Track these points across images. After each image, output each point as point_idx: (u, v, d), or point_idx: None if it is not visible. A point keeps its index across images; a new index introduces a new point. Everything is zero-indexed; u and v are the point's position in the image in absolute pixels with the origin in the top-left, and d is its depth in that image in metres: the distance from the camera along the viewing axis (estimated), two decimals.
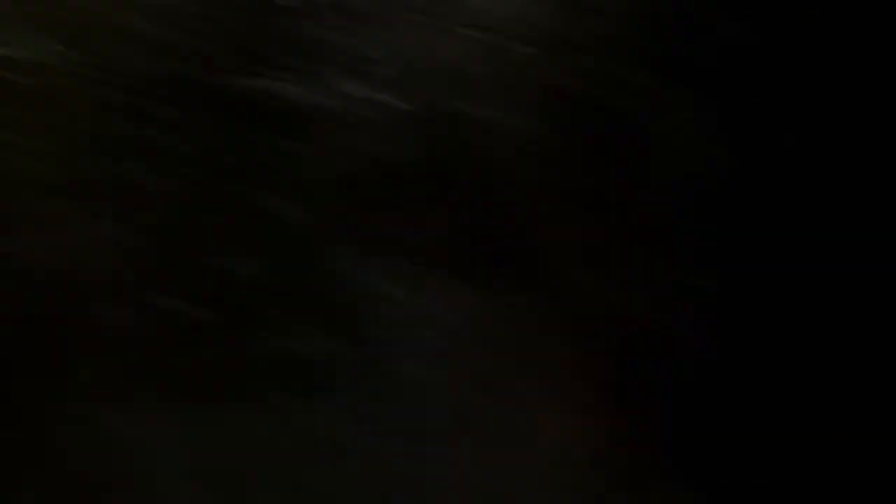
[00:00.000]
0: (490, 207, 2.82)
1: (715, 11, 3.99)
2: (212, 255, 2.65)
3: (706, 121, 3.39)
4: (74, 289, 2.55)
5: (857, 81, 3.71)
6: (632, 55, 3.72)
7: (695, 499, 2.14)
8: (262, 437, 2.15)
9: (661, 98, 3.49)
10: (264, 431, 2.15)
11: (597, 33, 3.88)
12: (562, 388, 2.31)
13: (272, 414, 2.19)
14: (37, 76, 3.60)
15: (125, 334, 2.40)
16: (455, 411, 2.24)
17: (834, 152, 3.33)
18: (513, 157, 3.03)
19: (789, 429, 2.36)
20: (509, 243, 2.72)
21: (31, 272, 2.65)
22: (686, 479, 2.18)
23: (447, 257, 2.64)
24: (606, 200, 2.99)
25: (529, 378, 2.33)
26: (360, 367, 2.33)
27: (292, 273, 2.59)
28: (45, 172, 3.04)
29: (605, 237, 2.87)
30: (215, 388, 2.25)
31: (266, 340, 2.38)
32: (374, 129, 3.09)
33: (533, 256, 2.72)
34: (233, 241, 2.71)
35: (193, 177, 2.96)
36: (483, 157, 3.01)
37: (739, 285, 2.75)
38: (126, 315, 2.44)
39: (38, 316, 2.48)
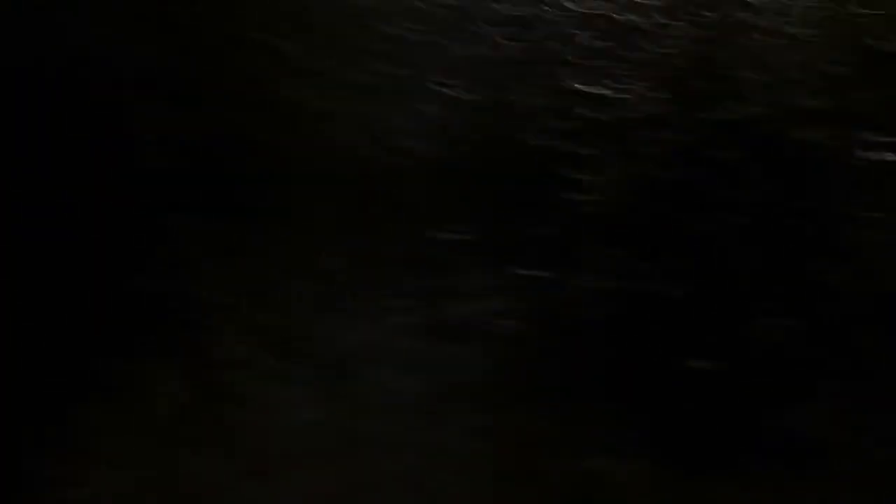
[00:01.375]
0: None
1: None
2: (747, 316, 2.58)
3: None
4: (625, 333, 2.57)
5: None
6: None
7: None
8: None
9: None
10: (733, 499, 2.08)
11: None
12: None
13: (753, 484, 2.10)
14: (615, 112, 3.78)
15: (651, 386, 2.38)
16: None
17: None
18: None
19: None
20: None
21: None
22: None
23: None
24: None
25: None
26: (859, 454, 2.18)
27: (828, 346, 2.46)
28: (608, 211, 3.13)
29: None
30: (705, 450, 2.18)
31: (768, 413, 2.29)
32: None
33: None
34: (771, 303, 2.62)
35: (748, 235, 2.92)
36: None
37: None
38: (649, 369, 2.43)
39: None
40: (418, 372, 2.48)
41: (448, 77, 4.33)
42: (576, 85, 4.13)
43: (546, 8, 5.21)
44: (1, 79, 4.24)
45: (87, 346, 2.61)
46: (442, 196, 3.28)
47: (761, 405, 2.31)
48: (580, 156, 3.47)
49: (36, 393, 2.44)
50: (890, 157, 3.17)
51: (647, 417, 2.28)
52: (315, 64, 4.49)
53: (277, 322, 2.72)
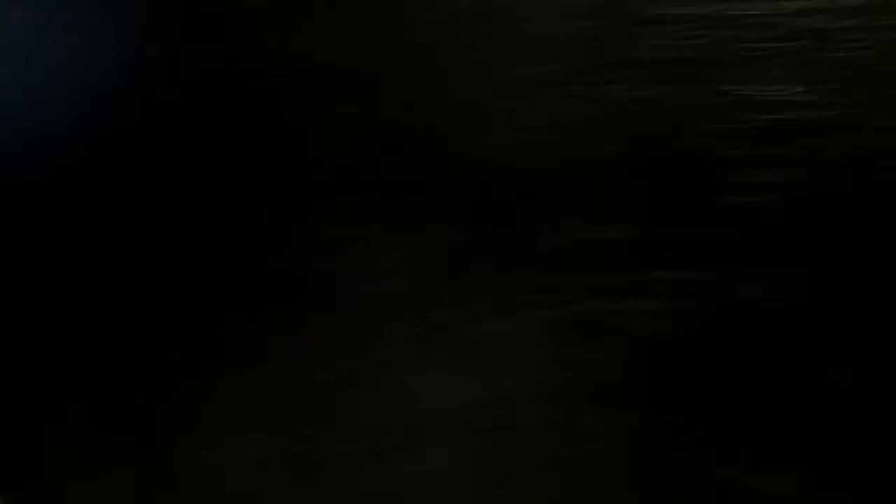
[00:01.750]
0: None
1: None
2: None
3: None
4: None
5: None
6: None
7: None
8: None
9: None
10: None
11: None
12: None
13: None
14: (782, 116, 3.75)
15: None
16: None
17: None
18: None
19: None
20: None
21: None
22: None
23: None
24: None
25: None
26: None
27: None
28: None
29: None
30: (845, 464, 2.11)
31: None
32: None
33: None
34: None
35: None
36: None
37: None
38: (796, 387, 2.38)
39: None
40: (555, 367, 2.43)
41: (604, 76, 4.26)
42: (740, 87, 4.02)
43: (711, 8, 5.10)
44: (205, 76, 4.39)
45: (235, 320, 2.66)
46: (593, 195, 3.21)
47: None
48: (741, 159, 3.36)
49: (178, 363, 2.50)
50: None
51: (791, 429, 2.19)
52: (468, 62, 4.49)
53: (421, 309, 2.71)
